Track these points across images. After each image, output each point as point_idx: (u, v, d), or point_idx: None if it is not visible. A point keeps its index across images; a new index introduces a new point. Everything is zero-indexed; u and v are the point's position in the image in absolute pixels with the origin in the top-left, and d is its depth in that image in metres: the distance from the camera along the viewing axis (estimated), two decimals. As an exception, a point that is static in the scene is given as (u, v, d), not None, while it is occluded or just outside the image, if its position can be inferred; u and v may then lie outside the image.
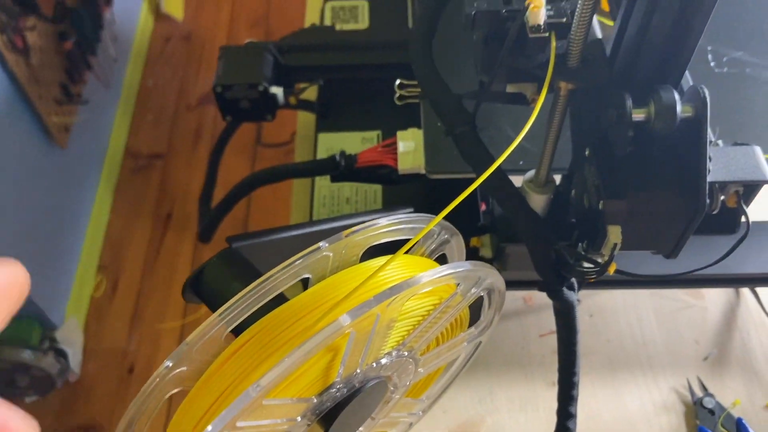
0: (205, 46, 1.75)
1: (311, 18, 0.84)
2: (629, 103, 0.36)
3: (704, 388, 0.58)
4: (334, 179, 0.55)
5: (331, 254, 0.36)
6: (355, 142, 0.65)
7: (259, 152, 1.48)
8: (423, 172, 0.52)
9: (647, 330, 0.60)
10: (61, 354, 1.16)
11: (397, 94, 0.56)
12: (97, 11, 1.33)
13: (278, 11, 1.81)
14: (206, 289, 0.38)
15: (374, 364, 0.37)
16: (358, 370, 0.36)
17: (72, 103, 1.26)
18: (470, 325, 0.41)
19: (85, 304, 1.32)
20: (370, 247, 0.39)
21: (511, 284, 0.56)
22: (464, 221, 0.53)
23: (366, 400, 0.36)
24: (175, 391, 0.32)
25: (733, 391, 0.57)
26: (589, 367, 0.59)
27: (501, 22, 0.39)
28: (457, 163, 0.51)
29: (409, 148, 0.53)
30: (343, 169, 0.53)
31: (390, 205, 0.62)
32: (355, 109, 0.67)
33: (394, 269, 0.37)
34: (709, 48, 0.53)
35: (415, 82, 0.57)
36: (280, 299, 0.37)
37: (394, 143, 0.54)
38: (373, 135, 0.65)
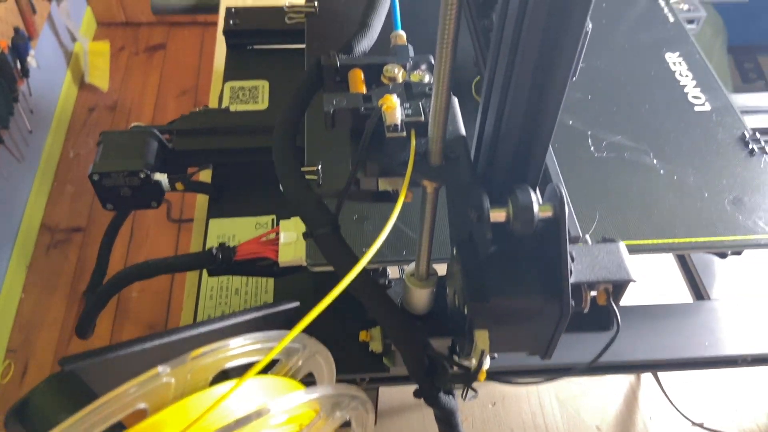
0: (131, 114, 1.72)
1: (215, 98, 0.83)
2: (486, 204, 0.35)
3: (610, 478, 0.56)
4: (212, 273, 0.52)
5: (173, 380, 0.33)
6: (249, 228, 0.62)
7: (183, 225, 1.43)
8: (304, 264, 0.49)
9: (550, 417, 0.58)
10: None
11: None
12: (10, 84, 1.29)
13: (208, 80, 1.80)
14: (32, 420, 0.34)
15: None
16: None
17: (-21, 178, 1.20)
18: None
19: (-10, 392, 1.23)
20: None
21: (404, 379, 0.54)
22: (353, 313, 0.51)
23: None
24: None
25: (639, 480, 0.56)
26: (492, 461, 0.56)
27: (361, 119, 0.38)
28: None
29: (291, 239, 0.50)
30: (220, 262, 0.50)
31: (281, 297, 0.59)
32: (250, 193, 0.64)
33: (248, 395, 0.34)
34: (589, 133, 0.53)
35: (308, 168, 0.55)
36: (117, 429, 0.33)
37: (276, 234, 0.52)
38: (267, 220, 0.63)
